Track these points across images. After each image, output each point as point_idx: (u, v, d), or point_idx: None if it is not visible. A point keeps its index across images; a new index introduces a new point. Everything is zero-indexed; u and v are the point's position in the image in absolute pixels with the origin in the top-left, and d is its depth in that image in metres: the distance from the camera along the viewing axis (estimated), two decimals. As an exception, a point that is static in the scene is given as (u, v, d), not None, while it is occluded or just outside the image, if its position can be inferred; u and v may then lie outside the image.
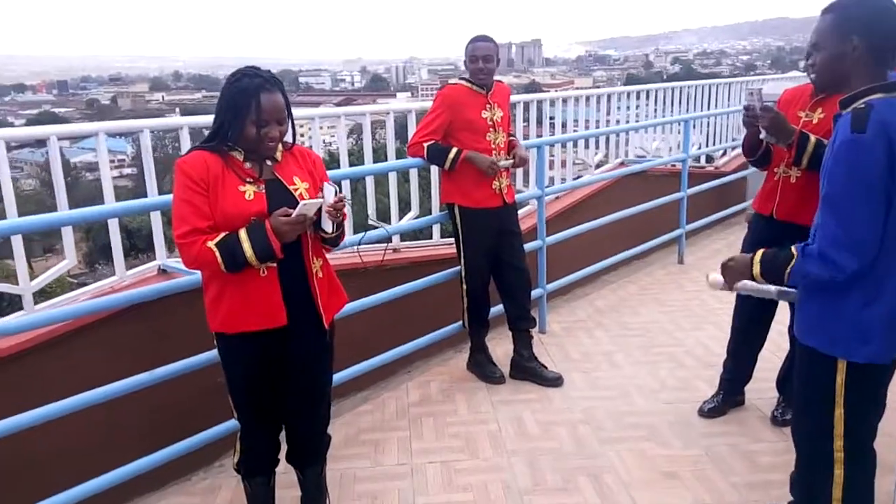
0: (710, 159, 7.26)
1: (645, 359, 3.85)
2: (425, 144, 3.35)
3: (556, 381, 3.54)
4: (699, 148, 6.70)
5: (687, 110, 7.03)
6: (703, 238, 6.27)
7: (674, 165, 5.62)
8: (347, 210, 2.25)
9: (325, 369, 2.28)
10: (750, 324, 3.07)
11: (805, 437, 2.02)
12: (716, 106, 7.34)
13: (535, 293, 4.13)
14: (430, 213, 3.95)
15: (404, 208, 4.21)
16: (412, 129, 4.24)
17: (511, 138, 3.53)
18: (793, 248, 1.84)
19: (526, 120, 5.27)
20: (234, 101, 2.01)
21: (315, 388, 2.26)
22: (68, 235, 2.69)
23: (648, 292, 4.97)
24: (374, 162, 3.86)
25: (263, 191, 2.05)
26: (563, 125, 5.99)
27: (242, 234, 1.99)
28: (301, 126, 3.85)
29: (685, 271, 5.43)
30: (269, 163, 2.10)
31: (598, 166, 5.63)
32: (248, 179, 2.04)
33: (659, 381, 3.57)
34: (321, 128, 3.75)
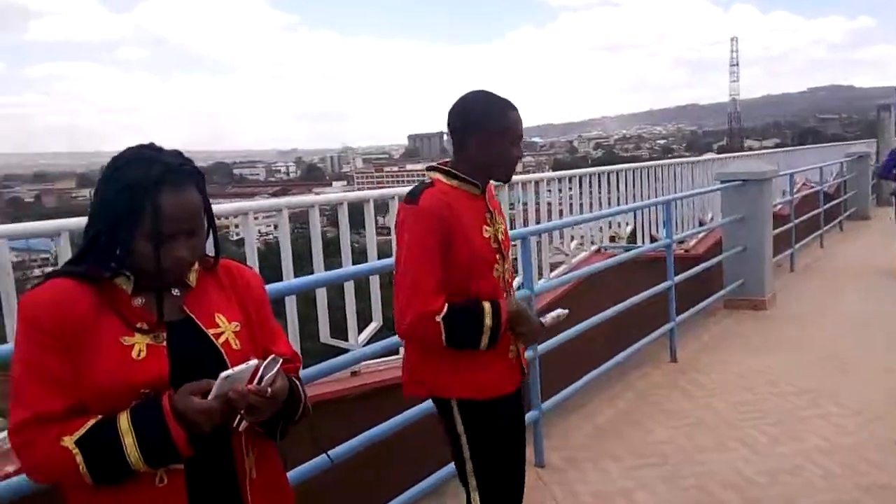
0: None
1: (673, 496, 3.09)
2: (439, 317, 1.86)
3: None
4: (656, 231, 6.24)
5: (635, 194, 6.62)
6: (687, 329, 5.67)
7: (658, 251, 5.07)
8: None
9: None
10: None
11: None
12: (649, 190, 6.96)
13: (529, 416, 3.36)
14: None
15: (365, 318, 3.44)
16: (368, 219, 3.53)
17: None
18: None
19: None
20: (118, 200, 1.24)
21: None
22: None
23: (650, 401, 4.26)
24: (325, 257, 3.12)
25: (164, 343, 1.26)
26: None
27: (124, 422, 1.18)
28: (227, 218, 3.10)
29: (682, 370, 4.78)
30: (175, 292, 1.32)
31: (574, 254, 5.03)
32: (138, 326, 1.25)
33: (702, 532, 2.80)
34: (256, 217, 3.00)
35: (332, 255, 3.61)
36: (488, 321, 1.89)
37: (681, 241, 6.80)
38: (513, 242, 3.22)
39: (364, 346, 3.29)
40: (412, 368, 2.03)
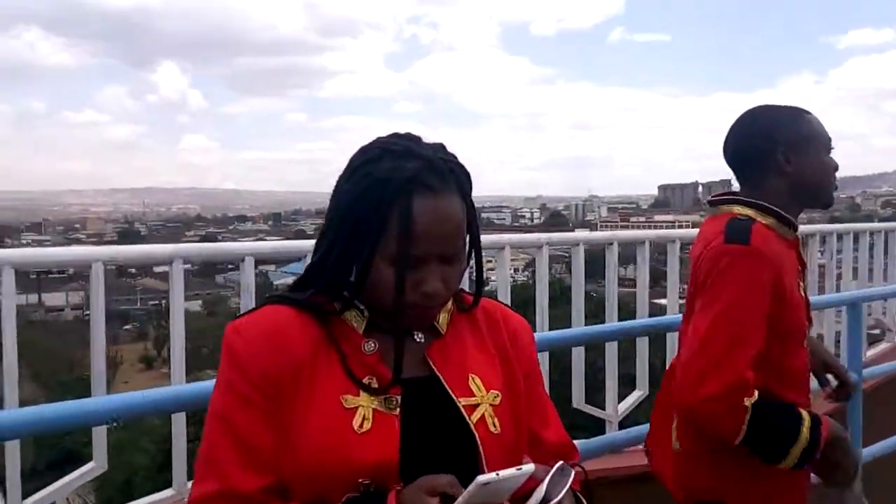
0: None
1: None
2: (748, 400, 1.37)
3: None
4: None
5: None
6: None
7: None
8: None
9: None
10: None
11: None
12: None
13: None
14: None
15: (626, 384, 2.88)
16: (642, 266, 2.98)
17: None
18: None
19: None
20: (356, 206, 0.90)
21: None
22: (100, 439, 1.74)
23: None
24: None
25: (397, 412, 0.88)
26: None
27: None
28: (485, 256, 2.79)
29: None
30: (418, 338, 0.94)
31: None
32: (365, 381, 0.89)
33: None
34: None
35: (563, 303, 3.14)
36: (805, 432, 1.40)
37: None
38: (836, 308, 2.45)
39: (624, 418, 2.73)
40: (681, 462, 1.56)
